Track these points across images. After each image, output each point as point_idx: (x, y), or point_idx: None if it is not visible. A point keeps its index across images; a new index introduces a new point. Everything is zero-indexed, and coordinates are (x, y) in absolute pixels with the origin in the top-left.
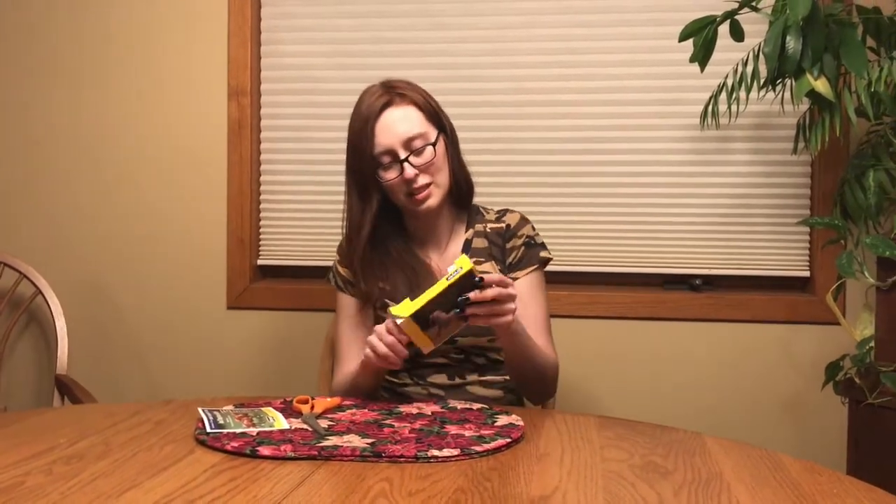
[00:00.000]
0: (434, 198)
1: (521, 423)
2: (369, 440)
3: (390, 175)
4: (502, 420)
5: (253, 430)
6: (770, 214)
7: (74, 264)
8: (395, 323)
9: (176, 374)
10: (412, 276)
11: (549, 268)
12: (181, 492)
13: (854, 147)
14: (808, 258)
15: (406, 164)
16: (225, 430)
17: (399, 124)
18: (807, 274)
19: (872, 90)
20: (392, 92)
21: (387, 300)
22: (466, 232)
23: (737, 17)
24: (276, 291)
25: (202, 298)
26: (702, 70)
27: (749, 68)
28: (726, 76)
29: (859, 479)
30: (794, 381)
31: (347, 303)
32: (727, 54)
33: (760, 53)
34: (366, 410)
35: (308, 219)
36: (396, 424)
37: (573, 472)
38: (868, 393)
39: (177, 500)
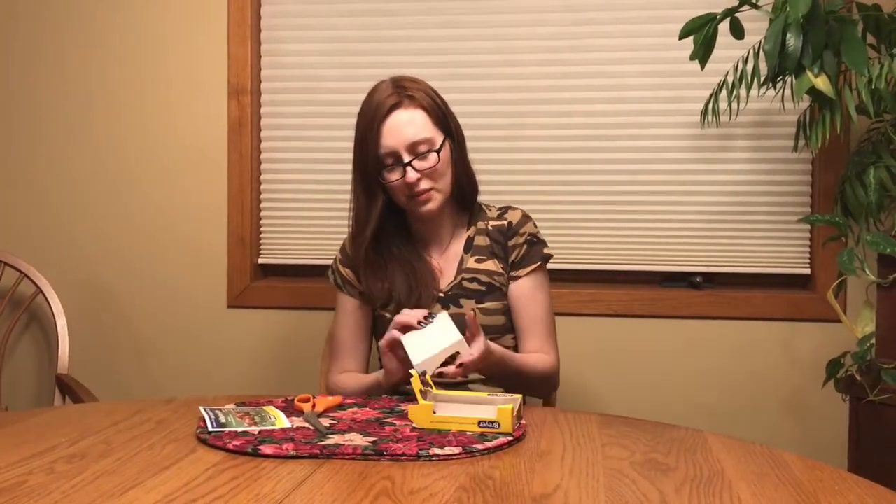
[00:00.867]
0: (434, 202)
1: (523, 421)
2: (371, 439)
3: (393, 177)
4: None
5: (254, 429)
6: (771, 212)
7: (75, 263)
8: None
9: (177, 373)
10: (412, 276)
11: (549, 265)
12: (183, 491)
13: (855, 144)
14: (808, 255)
15: (409, 168)
16: (226, 429)
17: (405, 128)
18: (807, 271)
19: (873, 87)
20: (402, 93)
21: (387, 301)
22: (468, 230)
23: (737, 14)
24: (276, 290)
25: (203, 297)
26: (702, 68)
27: (749, 66)
28: (727, 74)
29: (860, 477)
30: (795, 379)
31: (347, 302)
32: (727, 52)
33: (761, 51)
34: (367, 409)
35: (308, 217)
36: (398, 423)
37: (574, 470)
38: (869, 390)
39: (178, 498)
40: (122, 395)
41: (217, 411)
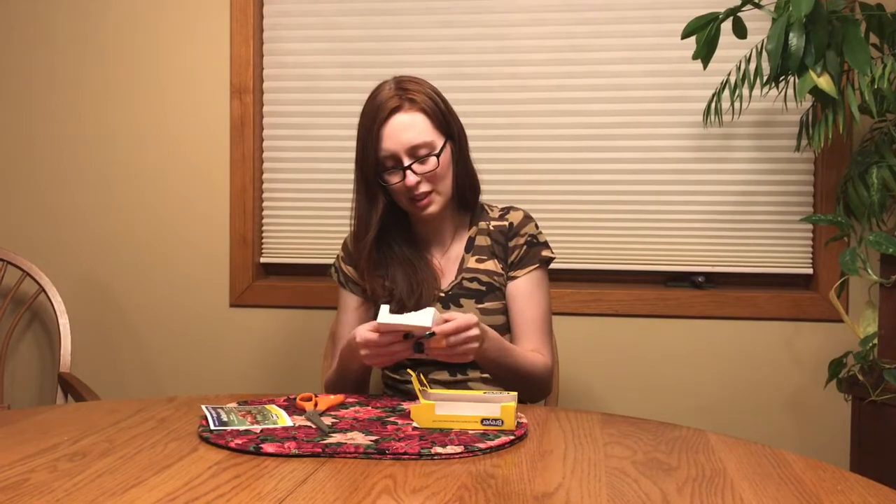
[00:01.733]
0: (435, 205)
1: (524, 420)
2: (373, 437)
3: (393, 179)
4: None
5: (256, 428)
6: (773, 212)
7: (77, 262)
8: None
9: (179, 372)
10: (412, 275)
11: (551, 265)
12: (185, 489)
13: (857, 144)
14: (811, 255)
15: (408, 172)
16: (228, 428)
17: (405, 132)
18: (810, 271)
19: (875, 87)
20: (403, 95)
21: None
22: (470, 230)
23: (739, 14)
24: (278, 289)
25: (205, 296)
26: (705, 67)
27: (752, 65)
28: (729, 73)
29: (862, 476)
30: (798, 379)
31: (350, 299)
32: (730, 51)
33: (763, 50)
34: (369, 408)
35: (310, 216)
36: (400, 422)
37: (576, 469)
38: (871, 390)
39: (180, 497)
40: (123, 393)
41: (219, 410)
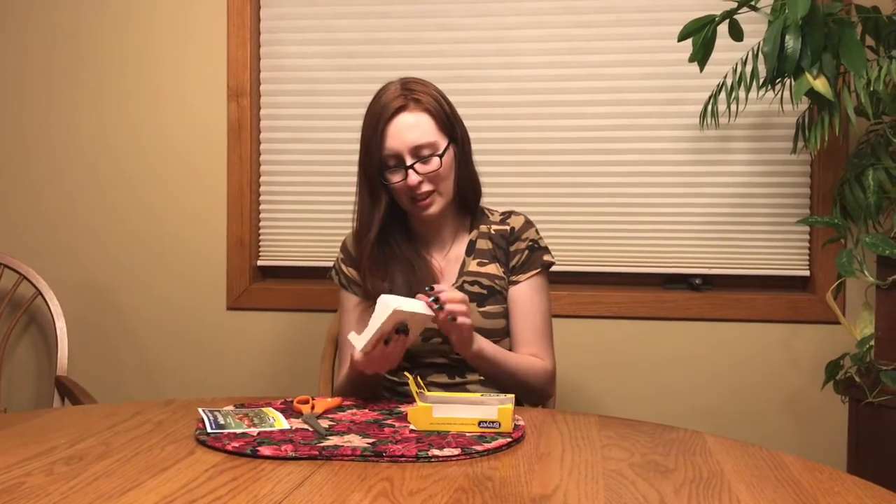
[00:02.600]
0: (436, 206)
1: (521, 422)
2: (370, 440)
3: (395, 178)
4: None
5: (253, 431)
6: (770, 214)
7: (74, 265)
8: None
9: (176, 375)
10: (411, 275)
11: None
12: (182, 492)
13: (853, 146)
14: (807, 257)
15: (411, 171)
16: (225, 431)
17: (410, 131)
18: (807, 273)
19: (871, 89)
20: (409, 95)
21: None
22: (470, 233)
23: (736, 16)
24: (275, 292)
25: (202, 299)
26: (701, 70)
27: (748, 68)
28: (725, 76)
29: (860, 478)
30: (795, 380)
31: (351, 301)
32: (726, 54)
33: (760, 53)
34: (366, 410)
35: (308, 219)
36: (397, 424)
37: (574, 472)
38: (868, 392)
39: (178, 500)
40: (121, 396)
41: (216, 413)
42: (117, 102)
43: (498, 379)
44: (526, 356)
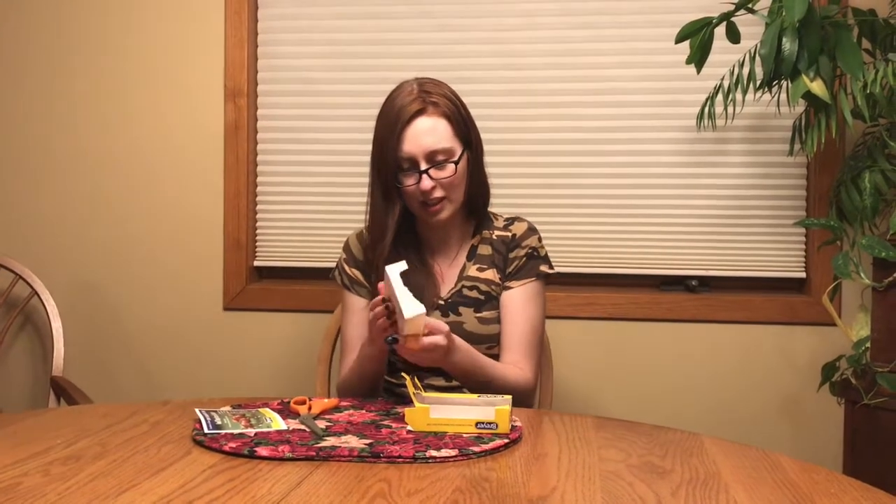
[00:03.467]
0: (445, 212)
1: (518, 423)
2: (367, 441)
3: (408, 181)
4: None
5: (250, 431)
6: (766, 216)
7: (70, 266)
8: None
9: (172, 376)
10: (414, 280)
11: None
12: (179, 492)
13: (850, 148)
14: (804, 259)
15: (424, 176)
16: (222, 431)
17: (427, 136)
18: (803, 275)
19: (868, 92)
20: (426, 98)
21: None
22: (473, 238)
23: (733, 18)
24: (272, 293)
25: (198, 300)
26: (698, 72)
27: (745, 70)
28: (722, 78)
29: (856, 479)
30: (791, 382)
31: (355, 302)
32: (723, 56)
33: (756, 55)
34: (363, 411)
35: (304, 220)
36: (394, 425)
37: (571, 473)
38: (864, 393)
39: (175, 500)
40: (117, 397)
41: (213, 413)
42: (114, 103)
43: (469, 386)
44: (505, 366)
